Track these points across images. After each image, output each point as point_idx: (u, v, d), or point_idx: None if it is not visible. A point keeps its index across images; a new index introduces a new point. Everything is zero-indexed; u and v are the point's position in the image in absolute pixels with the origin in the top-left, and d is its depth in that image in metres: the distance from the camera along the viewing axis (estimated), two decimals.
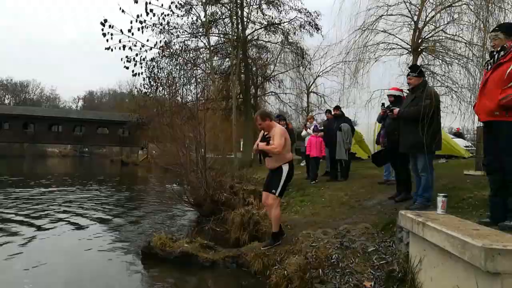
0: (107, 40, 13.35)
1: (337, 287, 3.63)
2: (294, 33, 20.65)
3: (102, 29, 13.11)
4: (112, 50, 13.73)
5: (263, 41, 21.13)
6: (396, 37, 11.74)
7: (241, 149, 19.39)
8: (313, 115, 10.89)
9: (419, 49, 11.48)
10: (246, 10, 19.96)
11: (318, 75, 23.75)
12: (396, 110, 5.00)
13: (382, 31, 11.56)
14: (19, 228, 7.36)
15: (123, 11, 13.30)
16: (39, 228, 7.47)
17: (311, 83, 24.11)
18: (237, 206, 7.09)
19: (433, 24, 11.26)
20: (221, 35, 20.65)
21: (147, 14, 14.42)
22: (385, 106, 5.81)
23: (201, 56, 19.92)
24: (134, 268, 5.14)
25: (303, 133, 10.27)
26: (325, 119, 9.94)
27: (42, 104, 66.81)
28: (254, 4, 20.03)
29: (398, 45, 11.86)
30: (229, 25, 19.69)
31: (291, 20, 20.34)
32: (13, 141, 44.44)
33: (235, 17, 19.15)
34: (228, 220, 6.55)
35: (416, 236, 3.20)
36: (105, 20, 13.09)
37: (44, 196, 12.39)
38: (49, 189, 14.90)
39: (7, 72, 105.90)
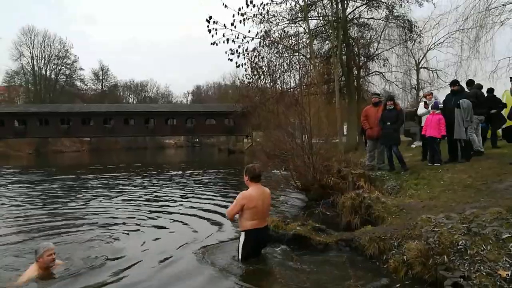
0: (212, 36, 14.21)
1: (466, 276, 3.34)
2: (400, 5, 19.20)
3: (207, 26, 13.97)
4: (217, 44, 14.59)
5: (365, 18, 20.07)
6: None
7: (345, 133, 18.92)
8: (431, 91, 9.65)
9: None
10: None
11: (430, 49, 21.92)
12: None
13: None
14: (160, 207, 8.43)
15: (225, 6, 13.99)
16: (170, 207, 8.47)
17: (421, 58, 22.33)
18: (347, 190, 6.97)
19: None
20: (320, 18, 20.20)
21: (247, 6, 14.95)
22: None
23: (301, 42, 19.79)
24: None
25: (422, 111, 8.95)
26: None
27: (158, 100, 74.30)
28: None
29: None
30: (328, 6, 19.16)
31: None
32: (138, 134, 51.05)
33: None
34: (338, 204, 6.49)
35: None
36: (210, 17, 13.92)
37: (175, 180, 14.57)
38: (181, 172, 18.45)
39: (129, 74, 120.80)
